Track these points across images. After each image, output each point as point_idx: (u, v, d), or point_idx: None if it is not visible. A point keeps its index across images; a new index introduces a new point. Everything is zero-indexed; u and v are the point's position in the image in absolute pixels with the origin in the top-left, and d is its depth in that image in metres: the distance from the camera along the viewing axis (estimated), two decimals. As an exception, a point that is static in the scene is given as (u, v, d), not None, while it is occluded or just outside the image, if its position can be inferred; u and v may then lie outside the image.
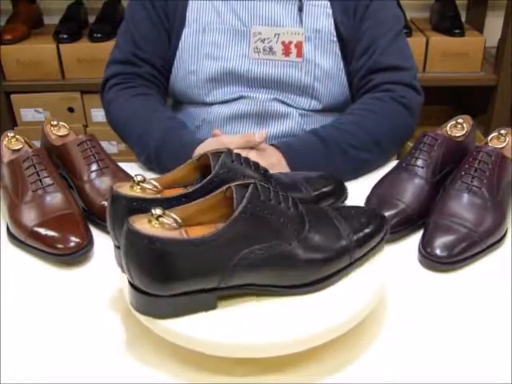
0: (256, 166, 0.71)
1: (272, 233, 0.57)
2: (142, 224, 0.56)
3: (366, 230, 0.64)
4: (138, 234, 0.53)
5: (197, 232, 0.58)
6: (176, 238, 0.56)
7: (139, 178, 0.64)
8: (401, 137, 1.03)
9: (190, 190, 0.64)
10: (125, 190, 0.63)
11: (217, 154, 0.67)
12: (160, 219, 0.57)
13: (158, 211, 0.56)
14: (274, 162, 0.90)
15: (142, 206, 0.61)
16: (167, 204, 0.60)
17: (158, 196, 0.64)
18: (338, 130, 0.96)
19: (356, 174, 0.96)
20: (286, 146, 0.94)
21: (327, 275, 0.61)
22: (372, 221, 0.66)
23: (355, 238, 0.63)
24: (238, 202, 0.56)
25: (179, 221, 0.58)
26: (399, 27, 1.06)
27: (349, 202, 0.85)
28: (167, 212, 0.57)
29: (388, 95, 1.01)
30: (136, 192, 0.64)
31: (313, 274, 0.60)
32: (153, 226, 0.57)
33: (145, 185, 0.64)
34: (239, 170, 0.66)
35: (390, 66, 1.03)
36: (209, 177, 0.64)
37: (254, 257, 0.57)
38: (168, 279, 0.55)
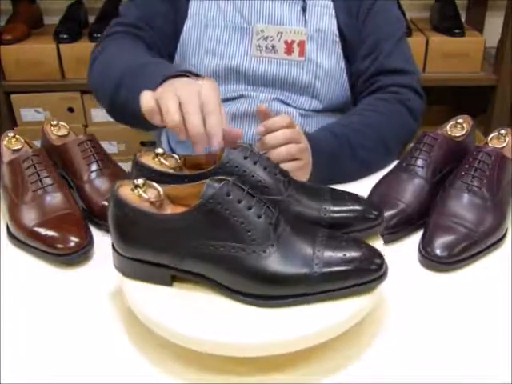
0: (273, 169, 0.67)
1: (228, 234, 0.57)
2: (126, 189, 0.62)
3: (343, 268, 0.58)
4: (115, 196, 0.61)
5: (175, 210, 0.62)
6: (141, 209, 0.60)
7: (160, 151, 0.67)
8: (404, 139, 1.04)
9: (195, 173, 0.66)
10: (146, 159, 0.68)
11: (237, 147, 0.66)
12: (140, 189, 0.62)
13: (140, 181, 0.62)
14: (305, 148, 0.86)
15: (157, 178, 0.65)
16: (171, 180, 0.64)
17: (170, 171, 0.68)
18: (349, 128, 0.96)
19: (359, 175, 0.96)
20: (315, 136, 0.92)
21: (276, 295, 0.58)
22: (362, 259, 0.59)
23: (324, 270, 0.57)
24: (203, 195, 0.57)
25: (161, 193, 0.62)
26: (402, 30, 1.08)
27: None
28: (150, 184, 0.62)
29: (394, 97, 1.02)
30: (156, 164, 0.68)
31: (259, 289, 0.58)
32: (134, 193, 0.62)
33: (163, 160, 0.67)
34: (248, 168, 0.65)
35: (396, 68, 1.04)
36: (214, 166, 0.64)
37: (205, 250, 0.58)
38: (128, 243, 0.61)
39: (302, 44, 1.02)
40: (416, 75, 1.06)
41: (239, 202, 0.58)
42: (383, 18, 1.05)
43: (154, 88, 0.73)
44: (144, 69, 0.86)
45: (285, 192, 0.66)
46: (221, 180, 0.58)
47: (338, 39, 1.03)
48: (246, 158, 0.65)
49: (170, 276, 0.62)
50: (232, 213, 0.57)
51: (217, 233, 0.58)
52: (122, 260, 0.63)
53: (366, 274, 0.59)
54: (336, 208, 0.67)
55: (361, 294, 0.59)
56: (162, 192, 0.63)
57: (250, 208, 0.58)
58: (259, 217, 0.58)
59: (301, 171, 0.85)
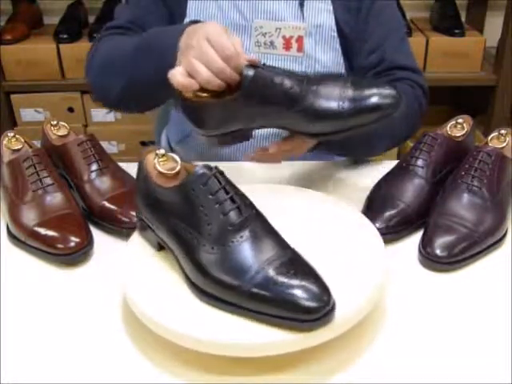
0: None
1: (193, 221, 0.61)
2: (151, 156, 0.68)
3: (271, 294, 0.56)
4: (141, 158, 0.68)
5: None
6: (147, 176, 0.67)
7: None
8: (411, 126, 1.03)
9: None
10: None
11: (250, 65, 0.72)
12: (158, 158, 0.67)
13: (160, 151, 0.67)
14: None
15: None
16: None
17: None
18: None
19: (364, 150, 1.00)
20: None
21: (213, 295, 0.59)
22: (304, 274, 0.57)
23: (253, 290, 0.56)
24: (185, 178, 0.62)
25: (178, 167, 0.67)
26: (404, 29, 1.09)
27: (348, 202, 0.84)
28: (171, 156, 0.68)
29: (409, 89, 1.02)
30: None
31: (200, 282, 0.60)
32: (153, 161, 0.67)
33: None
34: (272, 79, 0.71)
35: (407, 66, 1.04)
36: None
37: (177, 229, 0.62)
38: (137, 202, 0.69)
39: (300, 39, 1.02)
40: (423, 75, 1.07)
41: (211, 194, 0.60)
42: (388, 14, 1.05)
43: (173, 55, 0.79)
44: (152, 42, 0.90)
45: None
46: (210, 168, 0.61)
47: (336, 34, 1.03)
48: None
49: (157, 242, 0.67)
50: (201, 202, 0.60)
51: (186, 216, 0.61)
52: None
53: (296, 308, 0.55)
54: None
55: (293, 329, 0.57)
56: (179, 166, 0.67)
57: (218, 203, 0.60)
58: (224, 215, 0.60)
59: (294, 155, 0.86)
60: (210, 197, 0.60)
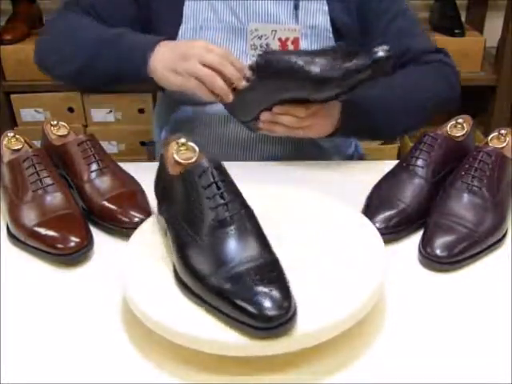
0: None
1: (187, 209, 0.64)
2: (173, 143, 0.71)
3: (226, 293, 0.56)
4: (165, 143, 0.73)
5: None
6: (162, 162, 0.71)
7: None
8: (440, 105, 1.06)
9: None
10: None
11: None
12: (177, 146, 0.70)
13: (181, 141, 0.70)
14: (335, 104, 0.95)
15: None
16: None
17: None
18: (392, 90, 1.00)
19: (394, 136, 1.05)
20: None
21: (187, 286, 0.61)
22: (266, 275, 0.57)
23: (216, 284, 0.57)
24: (185, 169, 0.65)
25: (196, 150, 0.69)
26: (411, 10, 1.09)
27: (348, 202, 0.84)
28: (190, 146, 0.70)
29: (435, 68, 1.05)
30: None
31: (178, 268, 0.62)
32: (172, 148, 0.71)
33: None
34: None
35: (430, 49, 1.07)
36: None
37: (173, 215, 0.65)
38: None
39: (296, 41, 1.02)
40: (448, 54, 1.09)
41: (203, 187, 0.62)
42: (393, 4, 1.06)
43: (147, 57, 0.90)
44: (121, 39, 0.95)
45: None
46: (211, 162, 0.64)
47: (331, 35, 1.03)
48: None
49: (165, 229, 0.68)
50: (194, 193, 0.63)
51: (182, 205, 0.64)
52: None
53: (246, 313, 0.55)
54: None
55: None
56: (195, 156, 0.68)
57: (208, 197, 0.62)
58: (212, 209, 0.62)
59: (313, 131, 0.95)
60: (202, 190, 0.62)
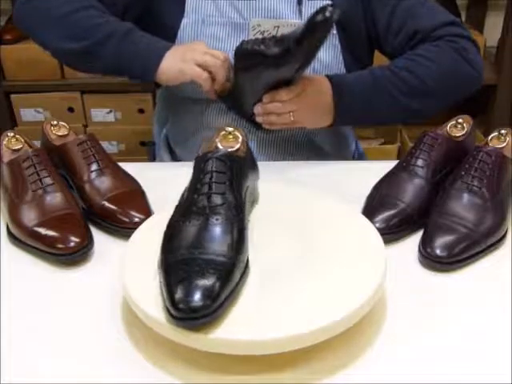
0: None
1: (188, 191, 0.68)
2: (221, 133, 0.76)
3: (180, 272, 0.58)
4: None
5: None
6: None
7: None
8: (457, 85, 1.01)
9: None
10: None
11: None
12: (223, 135, 0.75)
13: (228, 129, 0.75)
14: (322, 90, 0.96)
15: None
16: None
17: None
18: (393, 73, 0.98)
19: (404, 120, 1.03)
20: (338, 78, 0.98)
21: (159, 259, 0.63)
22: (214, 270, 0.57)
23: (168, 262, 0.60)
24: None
25: (237, 146, 0.73)
26: None
27: (348, 202, 0.84)
28: (236, 135, 0.75)
29: (449, 45, 0.99)
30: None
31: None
32: (219, 137, 0.76)
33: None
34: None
35: (441, 23, 1.01)
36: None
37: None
38: None
39: None
40: (462, 25, 1.03)
41: (201, 173, 0.66)
42: None
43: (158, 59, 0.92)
44: (135, 34, 0.95)
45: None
46: (216, 152, 0.68)
47: (335, 31, 1.03)
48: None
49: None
50: (195, 178, 0.67)
51: (189, 188, 0.68)
52: None
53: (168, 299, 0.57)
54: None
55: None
56: (239, 145, 0.73)
57: (200, 183, 0.65)
58: (198, 195, 0.65)
59: (301, 117, 0.95)
60: (200, 176, 0.66)
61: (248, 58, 0.89)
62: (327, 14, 0.82)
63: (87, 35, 0.93)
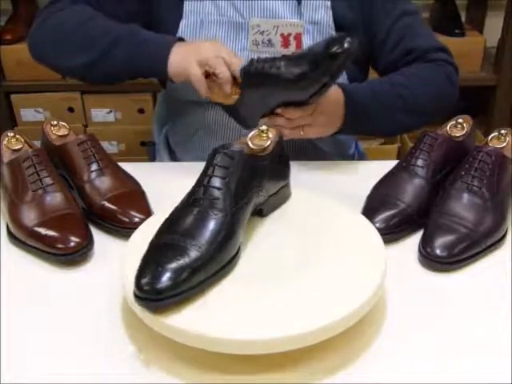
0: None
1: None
2: (257, 132, 0.76)
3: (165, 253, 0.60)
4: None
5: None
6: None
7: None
8: (444, 105, 1.06)
9: None
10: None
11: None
12: (258, 132, 0.75)
13: (263, 127, 0.75)
14: (335, 109, 0.95)
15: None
16: None
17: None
18: (392, 88, 1.00)
19: (394, 133, 1.07)
20: (351, 88, 0.98)
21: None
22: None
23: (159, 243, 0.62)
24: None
25: (266, 144, 0.75)
26: (415, 8, 1.08)
27: (348, 202, 0.84)
28: (268, 135, 0.75)
29: (439, 68, 1.04)
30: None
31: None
32: (250, 136, 0.76)
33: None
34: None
35: (435, 47, 1.07)
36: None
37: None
38: None
39: (298, 37, 1.01)
40: (450, 52, 1.09)
41: (207, 167, 0.67)
42: (398, 3, 1.05)
43: (166, 55, 0.90)
44: (139, 34, 0.95)
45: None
46: (227, 148, 0.68)
47: (333, 32, 1.03)
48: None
49: None
50: (206, 167, 0.67)
51: (200, 175, 0.68)
52: None
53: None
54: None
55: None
56: (267, 144, 0.74)
57: (205, 175, 0.66)
58: (198, 187, 0.66)
59: (311, 132, 0.95)
60: (206, 168, 0.67)
61: (259, 78, 0.86)
62: (346, 45, 0.79)
63: (95, 44, 0.94)
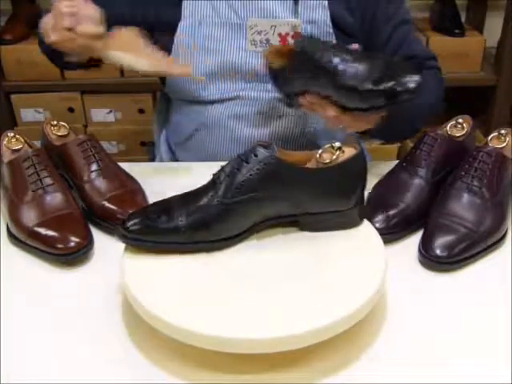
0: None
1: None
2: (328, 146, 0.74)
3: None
4: None
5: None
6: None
7: None
8: (438, 109, 1.06)
9: None
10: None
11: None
12: (335, 151, 0.73)
13: (337, 144, 0.73)
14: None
15: None
16: None
17: None
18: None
19: (403, 136, 1.17)
20: None
21: None
22: None
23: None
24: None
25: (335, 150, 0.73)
26: (410, 16, 1.11)
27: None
28: (333, 150, 0.73)
29: (436, 75, 1.06)
30: None
31: None
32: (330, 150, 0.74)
33: None
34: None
35: (429, 56, 1.08)
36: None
37: None
38: None
39: (296, 36, 1.02)
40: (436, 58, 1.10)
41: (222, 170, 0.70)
42: (397, 11, 1.06)
43: None
44: None
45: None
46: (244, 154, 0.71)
47: (331, 30, 1.03)
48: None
49: None
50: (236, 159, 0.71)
51: None
52: None
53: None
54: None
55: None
56: (328, 160, 0.72)
57: (214, 175, 0.70)
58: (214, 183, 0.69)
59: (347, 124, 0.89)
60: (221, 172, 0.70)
61: (312, 68, 0.81)
62: (411, 85, 0.78)
63: None
